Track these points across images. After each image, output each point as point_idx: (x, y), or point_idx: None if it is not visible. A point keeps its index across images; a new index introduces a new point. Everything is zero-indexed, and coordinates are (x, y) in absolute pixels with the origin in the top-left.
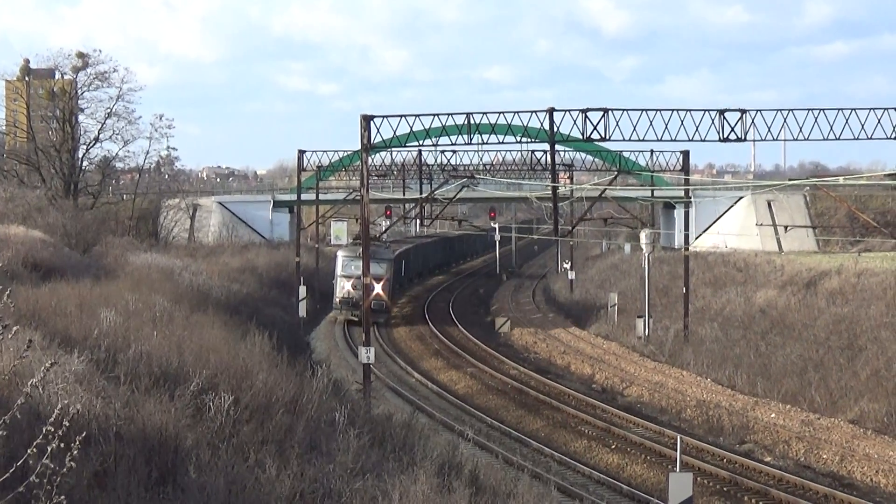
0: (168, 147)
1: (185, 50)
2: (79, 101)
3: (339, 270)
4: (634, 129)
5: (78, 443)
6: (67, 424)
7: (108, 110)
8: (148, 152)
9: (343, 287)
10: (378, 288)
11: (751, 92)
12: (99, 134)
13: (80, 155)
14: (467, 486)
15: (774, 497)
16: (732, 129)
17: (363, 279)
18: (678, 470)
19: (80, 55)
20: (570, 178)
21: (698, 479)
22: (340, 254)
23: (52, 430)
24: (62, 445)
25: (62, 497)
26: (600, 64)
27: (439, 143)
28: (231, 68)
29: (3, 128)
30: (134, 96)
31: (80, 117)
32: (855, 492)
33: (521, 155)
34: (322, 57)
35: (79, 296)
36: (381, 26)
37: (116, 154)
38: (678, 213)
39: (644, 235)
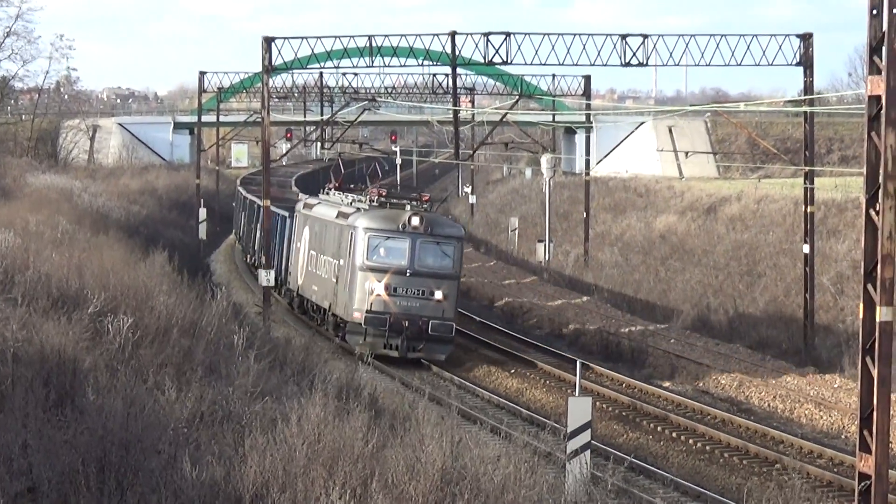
0: (68, 68)
1: None
2: None
3: (357, 256)
4: (536, 53)
5: None
6: None
7: (7, 30)
8: (48, 72)
9: (371, 290)
10: (439, 293)
11: (659, 17)
12: None
13: None
14: (366, 410)
15: (673, 422)
16: (634, 54)
17: (263, 201)
18: (577, 395)
19: None
20: (472, 101)
21: (598, 403)
22: (362, 223)
23: None
24: None
25: None
26: None
27: (341, 65)
28: None
29: None
30: (34, 16)
31: None
32: (752, 416)
33: (423, 78)
34: None
35: None
36: None
37: (15, 74)
38: (579, 138)
39: (545, 160)
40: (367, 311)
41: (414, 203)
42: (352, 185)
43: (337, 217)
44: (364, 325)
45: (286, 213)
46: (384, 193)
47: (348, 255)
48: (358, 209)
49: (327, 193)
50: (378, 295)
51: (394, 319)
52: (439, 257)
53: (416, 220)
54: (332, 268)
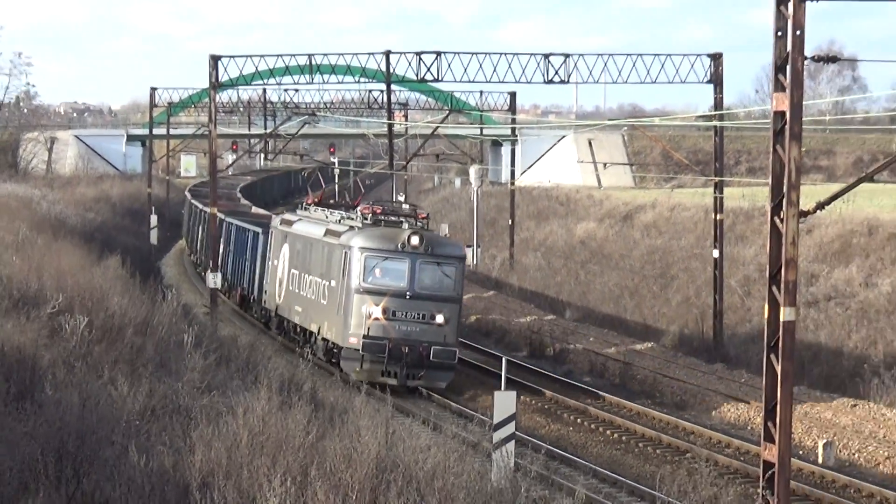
0: (27, 83)
1: None
2: None
3: (353, 278)
4: (465, 71)
5: None
6: None
7: None
8: (7, 88)
9: (368, 314)
10: (440, 317)
11: (581, 36)
12: None
13: None
14: (307, 403)
15: (593, 414)
16: (556, 72)
17: (211, 208)
18: (503, 389)
19: None
20: (405, 116)
21: (522, 397)
22: (357, 243)
23: None
24: None
25: None
26: (440, 9)
27: (283, 82)
28: (90, 10)
29: None
30: None
31: None
32: (665, 409)
33: (359, 94)
34: None
35: None
36: None
37: None
38: (505, 150)
39: (473, 171)
40: (364, 337)
41: (411, 220)
42: (332, 200)
43: (325, 235)
44: (361, 352)
45: (259, 230)
46: (378, 210)
47: (342, 277)
48: (351, 227)
49: (305, 209)
50: (376, 319)
51: (393, 345)
52: (440, 279)
53: (415, 240)
54: (321, 289)
